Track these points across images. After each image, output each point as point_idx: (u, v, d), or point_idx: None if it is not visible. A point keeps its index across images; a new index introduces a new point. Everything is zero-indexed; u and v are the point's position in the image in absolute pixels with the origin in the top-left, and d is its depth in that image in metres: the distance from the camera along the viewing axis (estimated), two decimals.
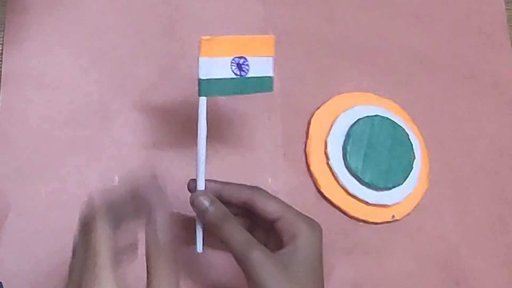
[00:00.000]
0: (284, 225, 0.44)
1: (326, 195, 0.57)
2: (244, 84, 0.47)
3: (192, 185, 0.46)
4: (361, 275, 0.56)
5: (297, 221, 0.44)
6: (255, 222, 0.47)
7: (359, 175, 0.56)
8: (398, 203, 0.57)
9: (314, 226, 0.45)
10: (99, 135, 0.55)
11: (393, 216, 0.57)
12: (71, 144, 0.55)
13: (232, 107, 0.59)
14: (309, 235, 0.44)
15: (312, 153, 0.58)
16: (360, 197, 0.56)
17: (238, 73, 0.46)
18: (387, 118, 0.58)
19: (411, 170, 0.57)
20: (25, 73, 0.56)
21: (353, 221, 0.57)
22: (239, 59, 0.46)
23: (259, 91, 0.48)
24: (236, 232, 0.43)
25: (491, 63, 0.66)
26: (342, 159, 0.57)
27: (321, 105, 0.60)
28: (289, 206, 0.45)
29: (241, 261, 0.43)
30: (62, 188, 0.53)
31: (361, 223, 0.57)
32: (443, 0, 0.68)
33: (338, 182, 0.57)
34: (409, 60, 0.64)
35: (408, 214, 0.58)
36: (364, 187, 0.57)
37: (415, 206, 0.58)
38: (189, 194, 0.47)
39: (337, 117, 0.59)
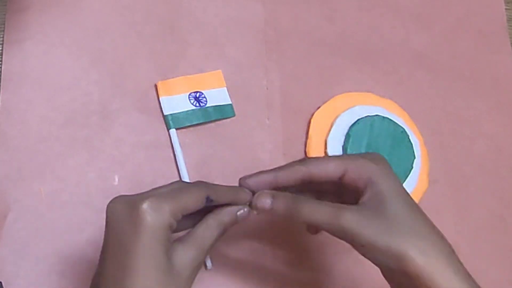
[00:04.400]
0: (352, 175, 0.42)
1: None
2: (205, 113, 0.56)
3: (243, 182, 0.45)
4: (362, 275, 0.56)
5: (362, 164, 0.42)
6: (319, 190, 0.46)
7: None
8: None
9: (379, 160, 0.43)
10: (99, 135, 0.55)
11: None
12: (71, 144, 0.55)
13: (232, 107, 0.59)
14: (382, 170, 0.42)
15: (312, 153, 0.58)
16: None
17: (198, 104, 0.56)
18: (387, 118, 0.58)
19: (411, 170, 0.57)
20: (25, 73, 0.56)
21: None
22: (195, 93, 0.56)
23: (222, 117, 0.57)
24: (315, 207, 0.41)
25: (491, 63, 0.66)
26: None
27: (321, 105, 0.60)
28: (345, 156, 0.44)
29: (339, 232, 0.41)
30: (62, 188, 0.53)
31: None
32: (443, 0, 0.68)
33: None
34: (409, 60, 0.64)
35: None
36: None
37: None
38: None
39: (337, 117, 0.59)
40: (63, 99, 0.56)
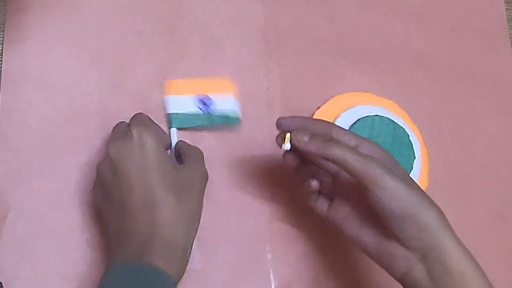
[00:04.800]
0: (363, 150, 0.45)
1: None
2: (210, 118, 0.56)
3: (282, 122, 0.48)
4: (361, 275, 0.56)
5: (373, 147, 0.46)
6: None
7: None
8: None
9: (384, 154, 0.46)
10: (99, 135, 0.55)
11: None
12: (71, 143, 0.55)
13: None
14: (386, 156, 0.46)
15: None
16: None
17: (204, 109, 0.55)
18: (387, 118, 0.58)
19: (411, 170, 0.57)
20: (25, 73, 0.56)
21: None
22: (203, 97, 0.55)
23: (226, 125, 0.56)
24: (347, 150, 0.43)
25: (491, 63, 0.66)
26: None
27: (321, 105, 0.60)
28: (362, 139, 0.47)
29: (364, 175, 0.43)
30: (62, 188, 0.53)
31: None
32: (443, 0, 0.68)
33: None
34: (409, 60, 0.64)
35: None
36: None
37: None
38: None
39: (337, 117, 0.59)
40: (63, 99, 0.56)
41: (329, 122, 0.49)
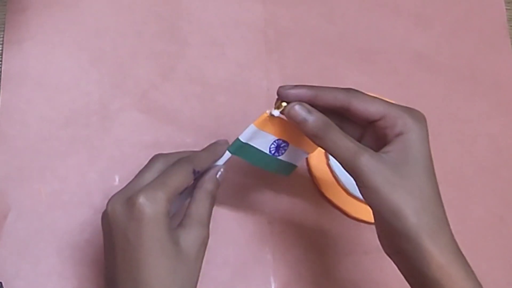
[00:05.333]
0: (388, 123, 0.41)
1: (326, 195, 0.57)
2: (271, 162, 0.48)
3: (283, 91, 0.44)
4: (362, 275, 0.56)
5: (402, 117, 0.41)
6: (346, 123, 0.45)
7: None
8: None
9: (420, 120, 0.42)
10: (99, 135, 0.55)
11: None
12: (71, 144, 0.55)
13: (232, 107, 0.59)
14: (418, 131, 0.41)
15: (312, 153, 0.58)
16: (360, 197, 0.56)
17: (273, 152, 0.47)
18: None
19: None
20: (25, 73, 0.56)
21: (353, 221, 0.57)
22: (282, 142, 0.47)
23: (277, 172, 0.49)
24: (340, 139, 0.41)
25: (491, 63, 0.66)
26: None
27: None
28: (390, 103, 0.43)
29: (351, 168, 0.41)
30: (62, 188, 0.53)
31: (361, 223, 0.57)
32: (443, 0, 0.68)
33: (338, 182, 0.57)
34: (409, 60, 0.64)
35: None
36: None
37: None
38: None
39: None
40: (63, 99, 0.56)
41: (347, 92, 0.43)
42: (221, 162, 0.47)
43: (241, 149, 0.46)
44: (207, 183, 0.46)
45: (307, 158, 0.58)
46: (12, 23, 0.57)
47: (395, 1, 0.66)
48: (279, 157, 0.47)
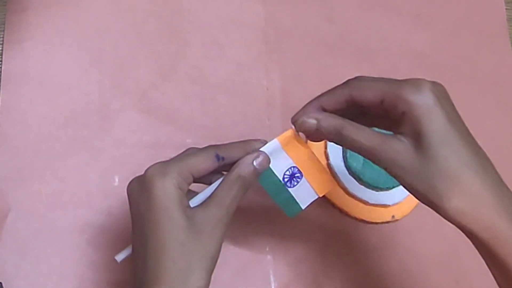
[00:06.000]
0: (390, 105, 0.39)
1: (326, 195, 0.56)
2: (280, 192, 0.46)
3: (295, 122, 0.43)
4: (362, 275, 0.56)
5: (400, 96, 0.38)
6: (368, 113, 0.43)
7: (359, 175, 0.56)
8: (398, 203, 0.57)
9: (420, 91, 0.39)
10: (99, 135, 0.55)
11: (393, 216, 0.57)
12: (71, 144, 0.55)
13: (232, 107, 0.59)
14: (419, 105, 0.38)
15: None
16: (360, 197, 0.56)
17: (286, 181, 0.46)
18: None
19: None
20: (25, 73, 0.56)
21: (353, 221, 0.57)
22: (297, 171, 0.46)
23: (282, 208, 0.47)
24: (358, 132, 0.40)
25: (491, 63, 0.66)
26: (342, 159, 0.57)
27: None
28: (388, 82, 0.40)
29: (375, 158, 0.39)
30: (62, 188, 0.53)
31: (361, 223, 0.57)
32: (443, 0, 0.68)
33: (338, 182, 0.57)
34: (409, 60, 0.64)
35: (408, 214, 0.58)
36: (364, 187, 0.57)
37: (415, 206, 0.58)
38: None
39: None
40: (63, 99, 0.56)
41: (346, 85, 0.42)
42: (265, 149, 0.44)
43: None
44: (238, 167, 0.43)
45: None
46: (12, 23, 0.57)
47: (395, 1, 0.66)
48: (290, 189, 0.46)
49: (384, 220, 0.57)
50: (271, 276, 0.54)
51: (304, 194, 0.46)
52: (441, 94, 0.40)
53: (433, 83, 0.40)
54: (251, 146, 0.44)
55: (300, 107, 0.59)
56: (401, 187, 0.56)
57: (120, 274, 0.51)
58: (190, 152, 0.44)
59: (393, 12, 0.66)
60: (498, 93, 0.65)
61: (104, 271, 0.51)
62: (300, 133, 0.44)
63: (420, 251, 0.57)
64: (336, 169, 0.57)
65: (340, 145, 0.42)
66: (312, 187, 0.46)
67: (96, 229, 0.52)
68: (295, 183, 0.46)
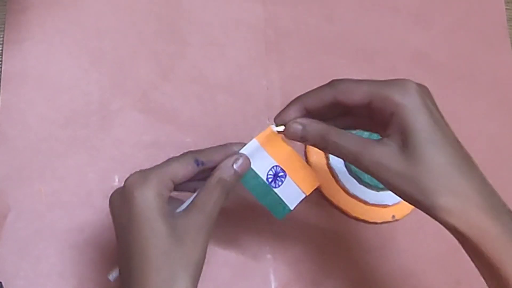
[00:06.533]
0: (377, 106, 0.39)
1: (326, 195, 0.57)
2: (266, 193, 0.45)
3: (277, 120, 0.44)
4: (361, 275, 0.56)
5: (387, 97, 0.39)
6: (351, 113, 0.43)
7: (359, 175, 0.56)
8: (398, 203, 0.57)
9: (408, 91, 0.39)
10: (99, 135, 0.55)
11: (393, 216, 0.57)
12: (71, 144, 0.55)
13: (232, 107, 0.59)
14: (407, 105, 0.38)
15: (312, 153, 0.58)
16: (360, 197, 0.56)
17: (270, 181, 0.45)
18: None
19: None
20: (25, 73, 0.56)
21: (353, 221, 0.57)
22: (280, 170, 0.45)
23: (270, 210, 0.46)
24: (343, 137, 0.40)
25: (491, 63, 0.66)
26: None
27: None
28: (373, 83, 0.40)
29: (360, 163, 0.40)
30: (62, 188, 0.53)
31: (361, 223, 0.57)
32: (443, 0, 0.68)
33: (338, 182, 0.57)
34: (408, 59, 0.64)
35: (408, 214, 0.58)
36: (364, 187, 0.57)
37: None
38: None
39: None
40: (63, 99, 0.56)
41: (330, 86, 0.42)
42: (245, 150, 0.44)
43: None
44: (218, 171, 0.43)
45: (306, 157, 0.58)
46: (12, 23, 0.57)
47: (394, 1, 0.66)
48: (275, 189, 0.45)
49: (384, 220, 0.57)
50: (271, 276, 0.54)
51: (290, 194, 0.46)
52: (426, 95, 0.40)
53: (418, 84, 0.40)
54: (231, 149, 0.44)
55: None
56: None
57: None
58: (170, 160, 0.43)
59: (393, 12, 0.66)
60: (498, 93, 0.65)
61: (104, 271, 0.51)
62: (277, 128, 0.44)
63: (420, 251, 0.57)
64: (336, 169, 0.57)
65: (324, 151, 0.43)
66: (298, 185, 0.46)
67: (96, 229, 0.52)
68: (280, 183, 0.45)
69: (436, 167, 0.38)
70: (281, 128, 0.44)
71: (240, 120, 0.58)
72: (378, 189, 0.56)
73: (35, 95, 0.56)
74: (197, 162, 0.42)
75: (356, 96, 0.40)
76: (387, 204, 0.57)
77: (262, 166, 0.45)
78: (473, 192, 0.38)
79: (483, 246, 0.38)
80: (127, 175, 0.52)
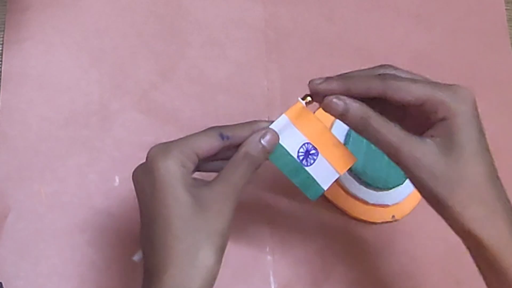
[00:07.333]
0: (430, 108, 0.40)
1: (326, 195, 0.57)
2: (297, 171, 0.43)
3: (313, 86, 0.43)
4: (361, 275, 0.56)
5: (444, 102, 0.39)
6: (388, 105, 0.42)
7: (359, 175, 0.56)
8: (398, 203, 0.57)
9: (465, 101, 0.40)
10: (99, 135, 0.55)
11: (393, 216, 0.57)
12: (71, 144, 0.55)
13: (232, 107, 0.59)
14: (462, 115, 0.39)
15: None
16: (360, 197, 0.56)
17: (302, 159, 0.43)
18: None
19: None
20: (25, 73, 0.56)
21: (353, 221, 0.57)
22: (312, 147, 0.43)
23: (302, 190, 0.44)
24: (385, 125, 0.40)
25: (491, 63, 0.66)
26: None
27: None
28: (431, 85, 0.40)
29: (395, 159, 0.40)
30: (62, 188, 0.53)
31: (361, 223, 0.57)
32: (443, 0, 0.68)
33: (338, 182, 0.57)
34: (409, 60, 0.64)
35: (408, 214, 0.58)
36: (364, 187, 0.57)
37: (415, 206, 0.58)
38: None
39: None
40: (63, 99, 0.56)
41: (381, 80, 0.41)
42: (274, 126, 0.42)
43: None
44: (245, 146, 0.41)
45: None
46: (12, 23, 0.57)
47: (395, 1, 0.66)
48: (307, 167, 0.43)
49: (384, 220, 0.57)
50: (271, 277, 0.54)
51: (323, 173, 0.44)
52: (475, 106, 0.41)
53: (471, 93, 0.41)
54: (258, 125, 0.43)
55: None
56: (401, 187, 0.57)
57: (120, 274, 0.51)
58: (193, 134, 0.42)
59: (393, 12, 0.66)
60: (498, 93, 0.65)
61: (104, 272, 0.51)
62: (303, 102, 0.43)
63: (420, 251, 0.57)
64: None
65: (363, 135, 0.41)
66: (331, 164, 0.44)
67: (96, 229, 0.52)
68: (312, 161, 0.43)
69: (473, 177, 0.39)
70: (309, 98, 0.42)
71: (240, 120, 0.58)
72: (378, 189, 0.56)
73: (35, 95, 0.56)
74: (222, 136, 0.41)
75: (410, 96, 0.40)
76: (387, 204, 0.57)
77: (292, 143, 0.43)
78: (500, 205, 0.40)
79: (501, 257, 0.39)
80: (127, 175, 0.52)
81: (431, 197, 0.40)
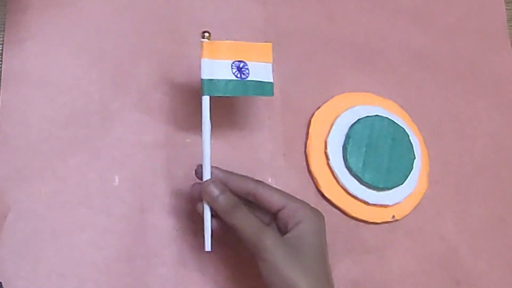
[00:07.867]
0: (289, 212, 0.47)
1: (326, 195, 0.57)
2: (245, 86, 0.50)
3: (199, 171, 0.49)
4: (361, 275, 0.56)
5: (300, 208, 0.47)
6: (259, 210, 0.49)
7: (359, 175, 0.56)
8: (398, 203, 0.57)
9: (316, 213, 0.47)
10: (99, 135, 0.55)
11: (393, 216, 0.57)
12: (71, 144, 0.55)
13: (232, 107, 0.59)
14: (313, 220, 0.47)
15: (312, 153, 0.58)
16: (360, 197, 0.56)
17: (239, 75, 0.50)
18: (387, 118, 0.58)
19: (411, 170, 0.57)
20: (25, 73, 0.56)
21: (353, 221, 0.57)
22: (239, 62, 0.50)
23: (259, 95, 0.51)
24: (247, 218, 0.46)
25: (491, 63, 0.66)
26: (342, 159, 0.57)
27: (321, 105, 0.60)
28: (292, 196, 0.48)
29: (254, 245, 0.45)
30: (62, 188, 0.53)
31: (361, 223, 0.57)
32: (443, 0, 0.68)
33: (338, 182, 0.57)
34: (409, 60, 0.64)
35: (408, 214, 0.58)
36: (364, 187, 0.57)
37: (415, 206, 0.58)
38: (192, 187, 0.49)
39: (337, 117, 0.59)
40: (63, 99, 0.56)
41: (256, 182, 0.49)
42: (204, 109, 0.49)
43: (211, 86, 0.49)
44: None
45: (307, 158, 0.58)
46: (12, 23, 0.57)
47: (395, 1, 0.66)
48: (248, 79, 0.50)
49: (384, 220, 0.57)
50: None
51: (261, 71, 0.51)
52: (323, 222, 0.48)
53: (322, 216, 0.48)
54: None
55: (300, 107, 0.60)
56: (401, 187, 0.57)
57: (120, 274, 0.51)
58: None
59: (393, 12, 0.66)
60: (498, 93, 0.65)
61: (104, 271, 0.51)
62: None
63: (420, 251, 0.57)
64: (336, 169, 0.57)
65: (227, 222, 0.47)
66: (260, 62, 0.51)
67: (96, 229, 0.52)
68: (247, 71, 0.50)
69: (316, 278, 0.45)
70: (207, 34, 0.50)
71: (240, 120, 0.58)
72: (378, 189, 0.56)
73: (35, 95, 0.56)
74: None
75: (274, 198, 0.47)
76: (387, 204, 0.57)
77: (225, 71, 0.49)
78: (325, 278, 0.46)
79: None
80: (127, 175, 0.53)
81: (283, 281, 0.44)
